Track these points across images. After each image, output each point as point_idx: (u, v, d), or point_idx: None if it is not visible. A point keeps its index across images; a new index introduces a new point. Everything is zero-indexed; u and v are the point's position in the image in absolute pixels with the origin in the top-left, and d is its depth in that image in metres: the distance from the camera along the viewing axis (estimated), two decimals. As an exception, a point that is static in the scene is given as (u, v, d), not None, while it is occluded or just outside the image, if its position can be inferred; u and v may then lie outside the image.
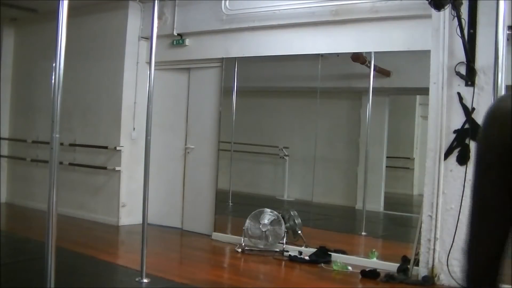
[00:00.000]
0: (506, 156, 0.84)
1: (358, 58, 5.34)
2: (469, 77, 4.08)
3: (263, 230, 5.14)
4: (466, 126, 4.12)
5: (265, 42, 5.61)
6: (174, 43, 6.26)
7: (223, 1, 5.76)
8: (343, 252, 4.93)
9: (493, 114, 0.96)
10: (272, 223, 5.16)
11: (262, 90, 7.09)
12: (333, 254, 4.86)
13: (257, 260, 4.94)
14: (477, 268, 1.04)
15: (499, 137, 0.87)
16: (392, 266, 4.47)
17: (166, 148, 6.36)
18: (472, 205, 1.04)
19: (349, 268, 4.56)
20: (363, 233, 5.53)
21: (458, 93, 4.16)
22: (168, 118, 6.28)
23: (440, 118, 4.23)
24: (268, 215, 5.19)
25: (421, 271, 4.27)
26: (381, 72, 5.55)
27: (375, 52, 5.14)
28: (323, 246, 4.98)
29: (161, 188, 6.22)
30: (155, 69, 4.08)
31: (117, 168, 6.14)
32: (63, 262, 3.56)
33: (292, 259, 4.87)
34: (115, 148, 6.13)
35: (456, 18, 3.78)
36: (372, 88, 5.41)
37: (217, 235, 5.78)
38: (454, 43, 4.13)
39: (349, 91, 6.50)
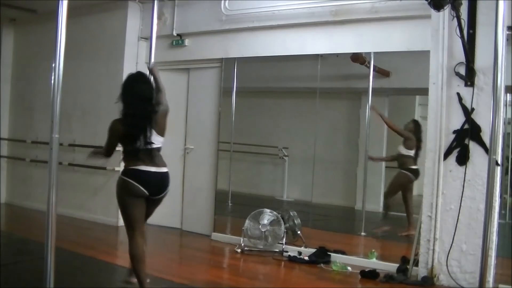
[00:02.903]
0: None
1: (358, 58, 5.34)
2: (469, 78, 4.08)
3: (263, 230, 5.14)
4: (466, 126, 4.12)
5: (265, 42, 5.61)
6: (174, 43, 6.26)
7: (222, 2, 5.76)
8: (343, 253, 4.93)
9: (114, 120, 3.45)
10: (271, 223, 5.17)
11: (262, 91, 7.08)
12: (332, 254, 4.87)
13: (257, 260, 4.94)
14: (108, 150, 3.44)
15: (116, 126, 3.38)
16: (391, 267, 4.48)
17: (166, 148, 6.31)
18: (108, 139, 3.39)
19: (349, 268, 4.57)
20: (363, 234, 5.53)
21: (458, 94, 4.17)
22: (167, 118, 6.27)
23: (439, 119, 4.24)
24: (267, 216, 5.20)
25: (421, 271, 4.27)
26: (381, 73, 5.55)
27: (374, 53, 5.14)
28: (323, 246, 4.99)
29: (161, 189, 6.20)
30: (154, 70, 4.07)
31: (116, 169, 6.11)
32: (62, 262, 3.55)
33: (291, 259, 4.87)
34: (115, 148, 6.11)
35: (455, 19, 3.78)
36: (372, 88, 5.40)
37: (216, 236, 5.78)
38: (453, 44, 4.13)
39: (348, 92, 6.50)
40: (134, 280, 3.49)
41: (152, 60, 4.06)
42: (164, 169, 3.45)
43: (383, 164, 6.20)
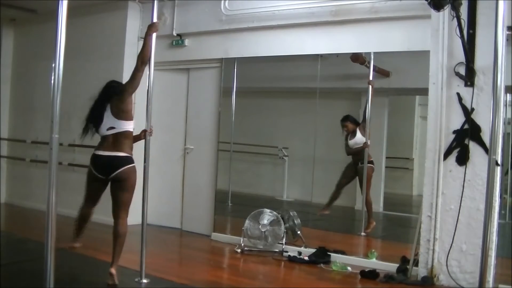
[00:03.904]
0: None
1: (358, 58, 5.34)
2: (469, 78, 4.08)
3: (263, 230, 5.14)
4: (466, 126, 4.12)
5: (265, 42, 5.61)
6: (174, 43, 6.26)
7: (222, 2, 5.76)
8: (343, 253, 4.93)
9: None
10: (271, 223, 5.16)
11: (262, 91, 7.08)
12: (332, 254, 4.87)
13: (257, 260, 4.94)
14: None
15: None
16: (391, 267, 4.48)
17: (166, 148, 6.36)
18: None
19: (349, 268, 4.56)
20: (363, 234, 5.53)
21: (458, 94, 4.17)
22: (167, 119, 6.27)
23: (439, 119, 4.24)
24: (267, 216, 5.20)
25: (421, 271, 4.27)
26: (381, 73, 5.55)
27: (374, 53, 5.14)
28: (323, 246, 4.99)
29: (161, 189, 6.21)
30: (154, 70, 4.09)
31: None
32: (62, 262, 3.55)
33: (291, 259, 4.87)
34: (115, 148, 6.10)
35: (455, 19, 3.78)
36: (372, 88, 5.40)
37: (216, 236, 5.78)
38: (453, 44, 4.13)
39: (348, 92, 6.50)
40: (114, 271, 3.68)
41: (152, 59, 4.04)
42: (116, 153, 3.69)
43: (383, 164, 6.20)
